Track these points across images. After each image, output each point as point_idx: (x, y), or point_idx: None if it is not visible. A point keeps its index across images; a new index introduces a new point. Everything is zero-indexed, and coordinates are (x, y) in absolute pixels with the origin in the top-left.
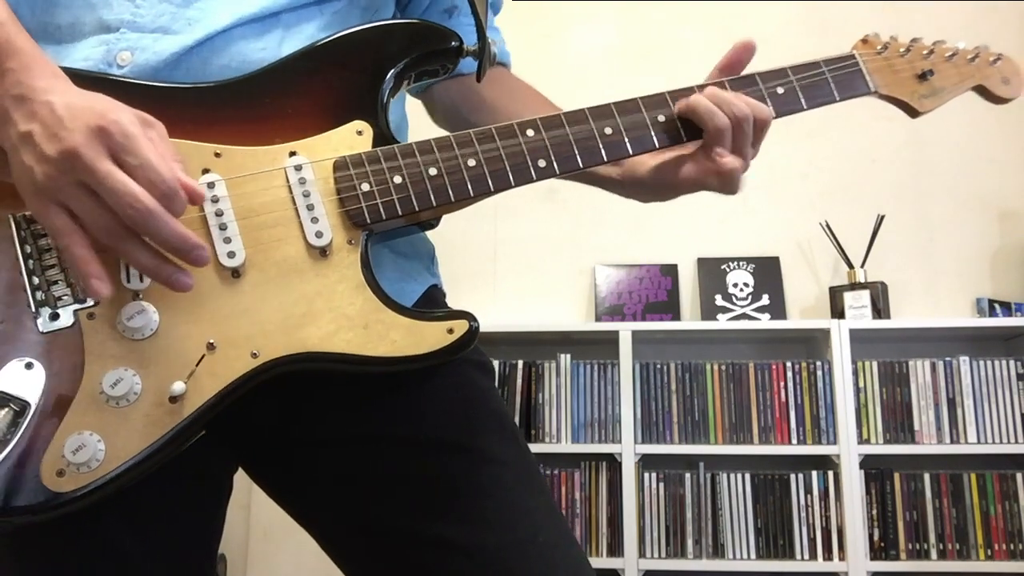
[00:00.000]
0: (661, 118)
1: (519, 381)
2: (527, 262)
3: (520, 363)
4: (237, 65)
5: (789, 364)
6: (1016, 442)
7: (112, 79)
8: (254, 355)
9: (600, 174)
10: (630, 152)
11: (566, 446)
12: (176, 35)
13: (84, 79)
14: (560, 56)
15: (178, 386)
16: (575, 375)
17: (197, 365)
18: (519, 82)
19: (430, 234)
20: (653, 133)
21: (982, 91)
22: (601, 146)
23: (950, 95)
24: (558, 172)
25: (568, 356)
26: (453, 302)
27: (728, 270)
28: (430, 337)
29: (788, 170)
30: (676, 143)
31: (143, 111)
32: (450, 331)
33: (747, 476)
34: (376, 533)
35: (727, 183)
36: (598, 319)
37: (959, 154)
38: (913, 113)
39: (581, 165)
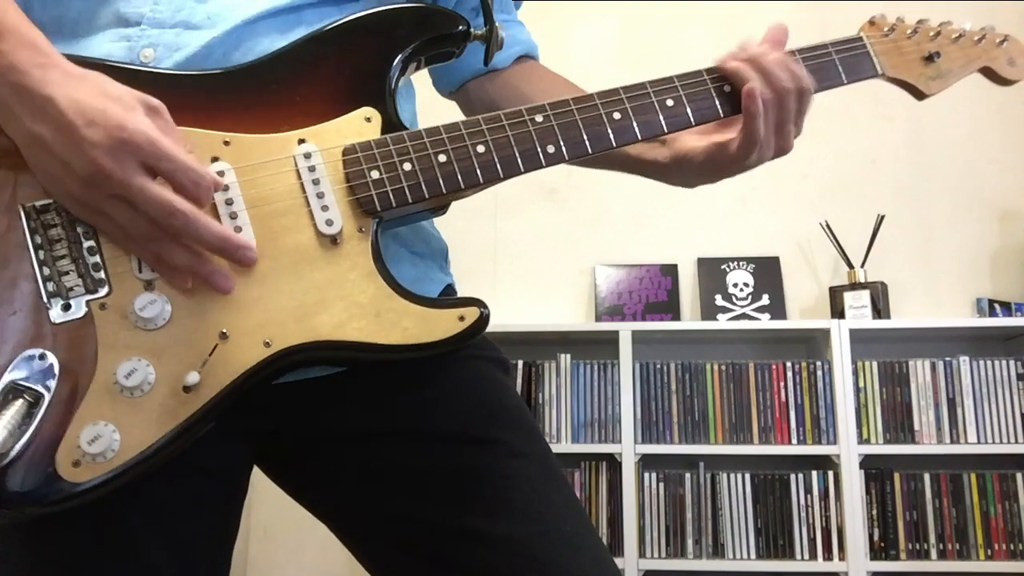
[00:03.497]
0: (670, 102)
1: (519, 381)
2: (527, 262)
3: (520, 363)
4: None
5: (789, 364)
6: (1016, 442)
7: (120, 67)
8: (267, 344)
9: (645, 159)
10: (639, 136)
11: (566, 446)
12: (197, 30)
13: (99, 69)
14: (562, 56)
15: (193, 376)
16: (575, 375)
17: (210, 355)
18: (553, 74)
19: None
20: (662, 117)
21: (988, 73)
22: (610, 131)
23: (956, 77)
24: (567, 157)
25: (568, 356)
26: None
27: (728, 270)
28: (442, 324)
29: (788, 170)
30: (685, 127)
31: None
32: (461, 318)
33: (747, 476)
34: (402, 528)
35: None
36: (598, 319)
37: (959, 154)
38: (920, 96)
39: (590, 150)
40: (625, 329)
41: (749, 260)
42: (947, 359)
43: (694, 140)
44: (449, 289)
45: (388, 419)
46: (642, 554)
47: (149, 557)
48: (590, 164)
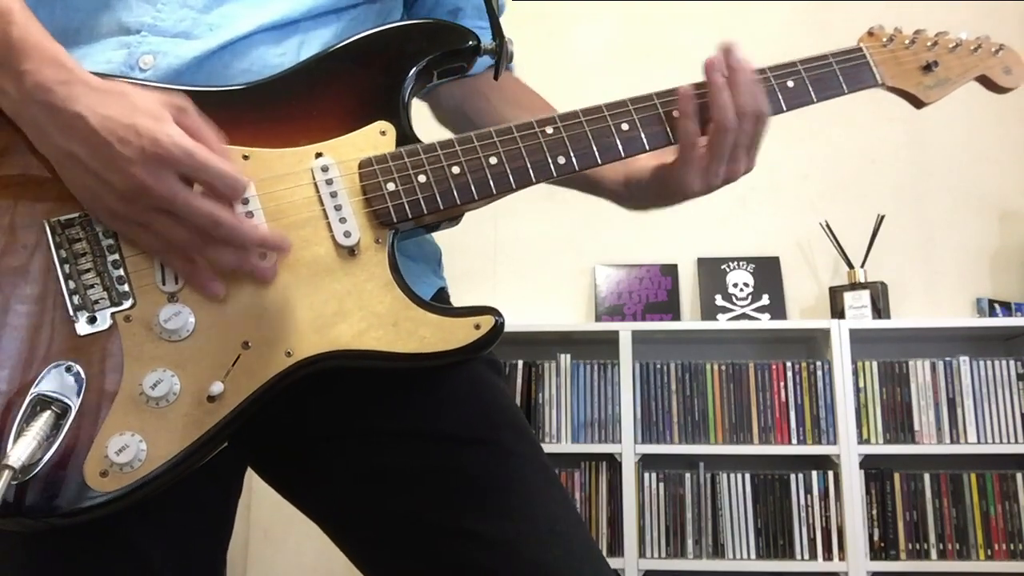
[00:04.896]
0: (676, 114)
1: (519, 381)
2: (527, 262)
3: (520, 363)
4: (258, 70)
5: (789, 364)
6: (1016, 442)
7: (138, 83)
8: (288, 354)
9: (604, 183)
10: (647, 147)
11: (566, 446)
12: (197, 40)
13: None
14: (561, 56)
15: (217, 386)
16: (575, 375)
17: (233, 365)
18: (523, 88)
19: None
20: (669, 129)
21: (985, 81)
22: (619, 142)
23: (954, 85)
24: (577, 168)
25: (568, 356)
26: (454, 302)
27: (728, 270)
28: (458, 333)
29: (788, 170)
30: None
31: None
32: (477, 327)
33: (747, 476)
34: (398, 528)
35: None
36: (598, 319)
37: (959, 154)
38: (918, 104)
39: (600, 161)
40: (625, 329)
41: (749, 260)
42: (947, 359)
43: (644, 160)
44: (442, 292)
45: (386, 420)
46: (642, 554)
47: (145, 556)
48: (555, 183)
